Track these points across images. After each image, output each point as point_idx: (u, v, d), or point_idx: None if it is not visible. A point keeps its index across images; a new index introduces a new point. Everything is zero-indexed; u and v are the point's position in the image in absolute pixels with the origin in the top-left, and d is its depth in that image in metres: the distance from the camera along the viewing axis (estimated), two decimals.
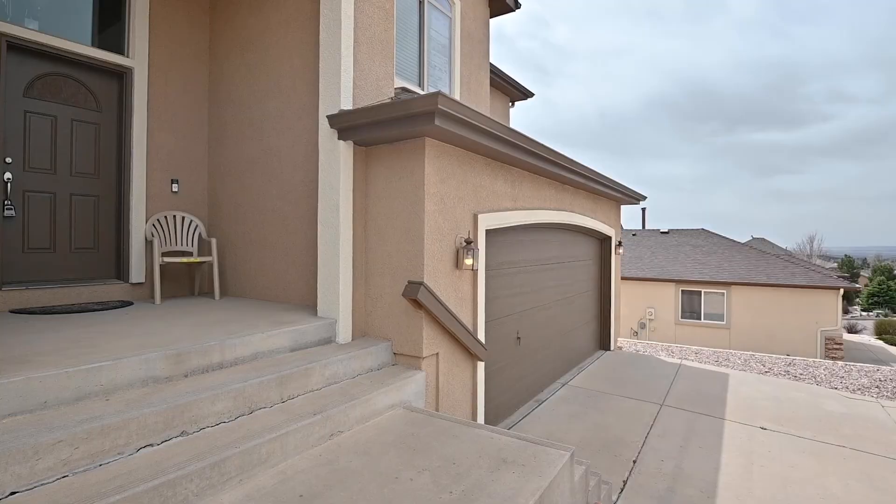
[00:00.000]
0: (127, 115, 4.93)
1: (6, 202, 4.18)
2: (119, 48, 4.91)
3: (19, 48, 4.25)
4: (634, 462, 4.30)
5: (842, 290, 16.71)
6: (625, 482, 3.94)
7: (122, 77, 4.93)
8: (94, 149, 4.82)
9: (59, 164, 4.57)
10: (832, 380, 8.01)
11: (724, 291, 18.22)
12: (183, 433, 2.45)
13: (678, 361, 8.07)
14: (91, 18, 4.79)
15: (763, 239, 47.25)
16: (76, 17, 4.69)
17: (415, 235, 3.68)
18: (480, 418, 4.35)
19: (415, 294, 3.47)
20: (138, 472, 2.08)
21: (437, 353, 3.85)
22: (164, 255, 4.90)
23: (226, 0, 5.41)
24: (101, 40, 4.82)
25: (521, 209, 5.04)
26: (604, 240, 8.38)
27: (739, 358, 9.82)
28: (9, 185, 4.21)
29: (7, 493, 1.88)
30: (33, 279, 4.40)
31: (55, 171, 4.55)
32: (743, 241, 24.34)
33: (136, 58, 4.95)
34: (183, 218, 5.27)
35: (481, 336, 4.35)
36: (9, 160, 4.22)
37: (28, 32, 4.25)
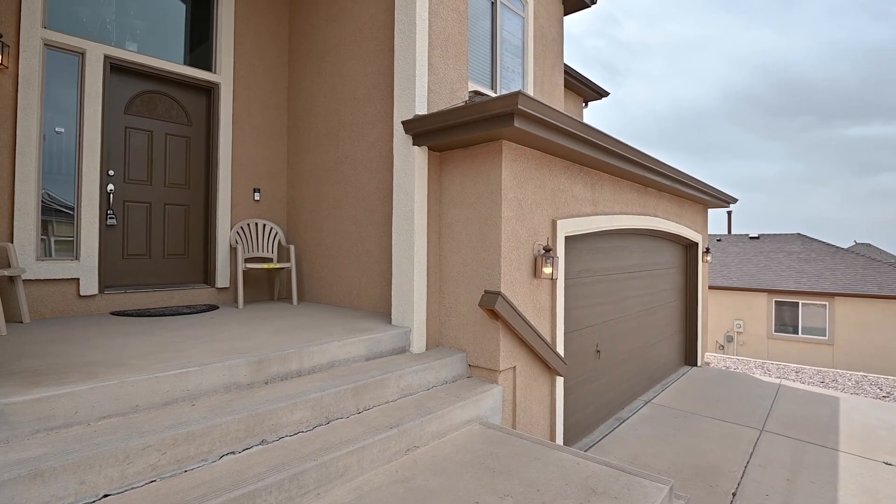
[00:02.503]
0: (214, 127, 5.19)
1: (109, 212, 4.51)
2: (207, 65, 5.18)
3: (121, 69, 4.59)
4: (734, 495, 3.85)
5: None
6: None
7: (209, 92, 5.21)
8: (184, 160, 5.11)
9: (154, 175, 4.89)
10: None
11: (826, 303, 16.45)
12: (263, 442, 2.44)
13: (777, 381, 7.30)
14: (183, 39, 5.10)
15: (868, 244, 42.43)
16: (170, 38, 5.00)
17: (491, 243, 3.53)
18: (559, 437, 4.10)
19: (492, 304, 3.31)
20: (220, 481, 2.07)
21: (515, 367, 3.66)
22: (246, 261, 5.09)
23: (304, 13, 5.57)
24: (191, 58, 5.12)
25: (601, 214, 4.74)
26: (689, 246, 7.78)
27: (849, 379, 8.74)
28: (111, 195, 4.54)
29: (101, 496, 1.93)
30: (131, 283, 4.71)
31: (151, 183, 4.86)
32: (845, 247, 21.96)
33: (222, 73, 5.21)
34: (264, 225, 5.46)
35: (560, 349, 4.11)
36: (111, 173, 4.55)
37: (129, 54, 4.58)
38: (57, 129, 4.20)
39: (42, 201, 4.12)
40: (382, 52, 4.54)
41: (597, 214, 4.67)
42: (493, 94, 5.78)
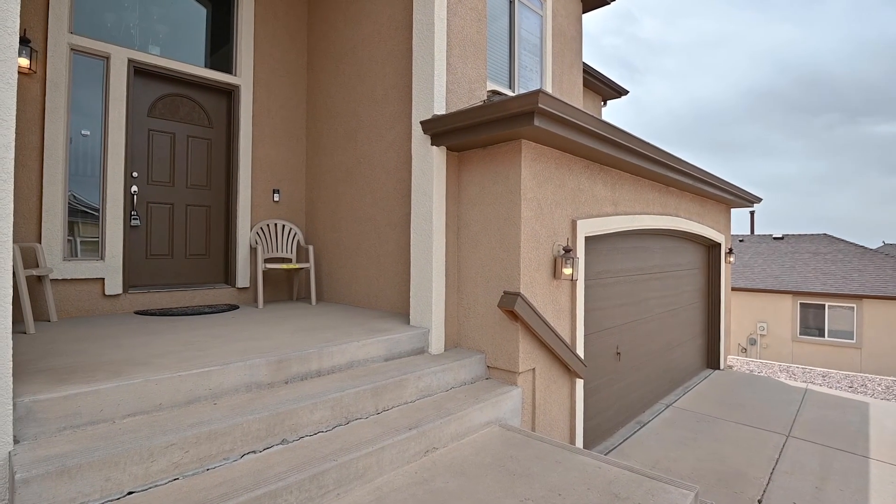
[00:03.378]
0: (234, 129, 5.25)
1: (133, 213, 4.59)
2: (228, 68, 5.25)
3: (144, 72, 4.67)
4: (759, 502, 3.75)
5: None
6: None
7: (230, 94, 5.27)
8: (205, 162, 5.18)
9: (176, 177, 4.96)
10: None
11: (854, 305, 15.98)
12: (283, 441, 2.45)
13: (803, 385, 7.10)
14: (204, 42, 5.18)
15: None
16: (192, 41, 5.08)
17: (510, 243, 3.49)
18: (579, 441, 4.04)
19: (511, 305, 3.28)
20: (241, 480, 2.08)
21: (534, 369, 3.62)
22: (266, 261, 5.13)
23: (322, 15, 5.60)
24: (212, 62, 5.19)
25: (621, 214, 4.67)
26: (712, 246, 7.63)
27: (879, 384, 8.48)
28: (135, 197, 4.62)
29: (125, 493, 1.95)
30: (154, 283, 4.78)
31: (173, 184, 4.94)
32: (874, 248, 21.31)
33: (243, 76, 5.27)
34: (283, 226, 5.50)
35: (580, 351, 4.05)
36: (135, 174, 4.63)
37: (152, 58, 4.66)
38: (83, 132, 4.29)
39: (68, 203, 4.21)
40: (400, 52, 4.54)
41: (617, 214, 4.60)
42: (512, 94, 5.74)
